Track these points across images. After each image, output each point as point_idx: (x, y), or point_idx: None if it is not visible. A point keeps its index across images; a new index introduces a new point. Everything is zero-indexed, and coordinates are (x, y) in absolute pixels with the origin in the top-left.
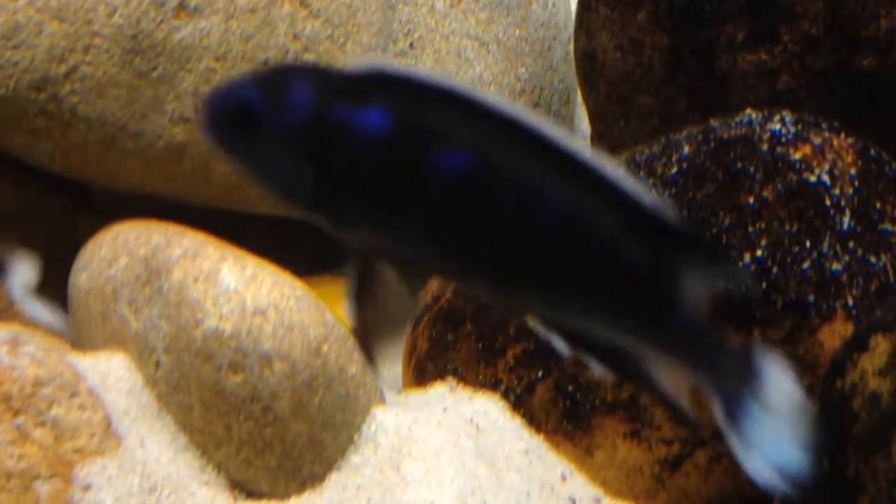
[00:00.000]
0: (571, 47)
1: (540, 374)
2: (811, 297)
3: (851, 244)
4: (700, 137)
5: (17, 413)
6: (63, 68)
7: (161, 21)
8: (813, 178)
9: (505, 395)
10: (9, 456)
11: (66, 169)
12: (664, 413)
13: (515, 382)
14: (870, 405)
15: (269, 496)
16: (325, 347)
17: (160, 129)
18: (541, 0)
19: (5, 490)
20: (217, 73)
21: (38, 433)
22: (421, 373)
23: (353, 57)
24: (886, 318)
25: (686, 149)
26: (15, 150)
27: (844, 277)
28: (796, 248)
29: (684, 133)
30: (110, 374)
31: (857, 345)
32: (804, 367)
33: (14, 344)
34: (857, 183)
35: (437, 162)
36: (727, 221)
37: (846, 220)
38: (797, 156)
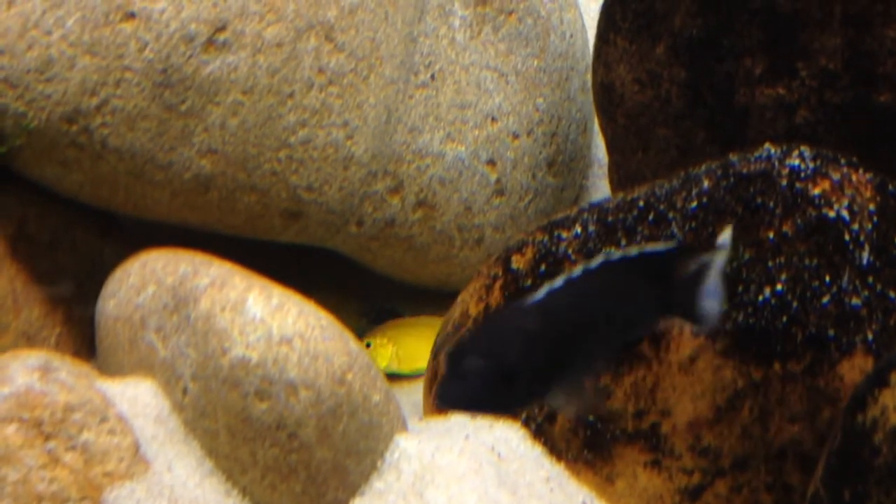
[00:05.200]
0: (589, 77)
1: None
2: (831, 332)
3: (871, 279)
4: (719, 172)
5: (48, 438)
6: (94, 101)
7: (190, 56)
8: (832, 214)
9: (526, 424)
10: (40, 479)
11: (96, 199)
12: (684, 443)
13: (536, 411)
14: (891, 439)
15: None
16: (350, 376)
17: (188, 160)
18: (559, 31)
19: None
20: (244, 107)
21: (68, 457)
22: None
23: (376, 88)
24: None
25: (706, 183)
26: (45, 180)
27: (864, 312)
28: (816, 283)
29: (703, 167)
30: (138, 399)
31: (878, 380)
32: (824, 401)
33: (45, 370)
34: (875, 218)
35: None
36: (747, 256)
37: (865, 255)
38: (816, 191)
